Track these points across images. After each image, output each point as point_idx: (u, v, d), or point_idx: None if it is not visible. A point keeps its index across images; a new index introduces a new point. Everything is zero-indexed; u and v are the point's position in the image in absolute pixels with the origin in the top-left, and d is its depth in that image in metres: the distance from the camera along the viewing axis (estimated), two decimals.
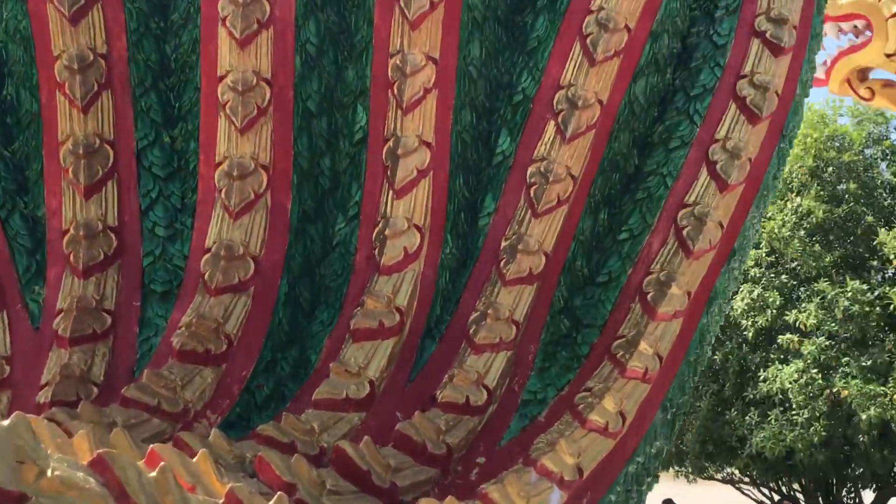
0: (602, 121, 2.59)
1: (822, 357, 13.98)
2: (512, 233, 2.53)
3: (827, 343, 14.10)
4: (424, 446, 2.08)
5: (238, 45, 2.43)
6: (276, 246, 2.45)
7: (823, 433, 13.74)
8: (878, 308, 14.36)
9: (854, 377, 13.64)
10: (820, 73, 4.35)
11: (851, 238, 16.23)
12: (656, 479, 2.55)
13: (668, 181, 2.64)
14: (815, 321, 14.11)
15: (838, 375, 13.85)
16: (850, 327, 14.08)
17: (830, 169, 16.49)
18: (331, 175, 2.57)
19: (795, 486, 17.38)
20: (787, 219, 15.70)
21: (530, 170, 2.55)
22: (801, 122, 2.83)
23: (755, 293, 15.04)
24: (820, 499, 16.76)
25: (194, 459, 1.43)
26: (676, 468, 17.51)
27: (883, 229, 15.01)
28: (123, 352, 2.33)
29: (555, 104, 2.57)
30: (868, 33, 3.98)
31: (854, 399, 13.31)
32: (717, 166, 2.60)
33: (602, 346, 2.49)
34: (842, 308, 13.99)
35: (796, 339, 14.30)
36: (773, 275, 15.48)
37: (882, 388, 13.40)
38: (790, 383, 13.86)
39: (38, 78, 2.53)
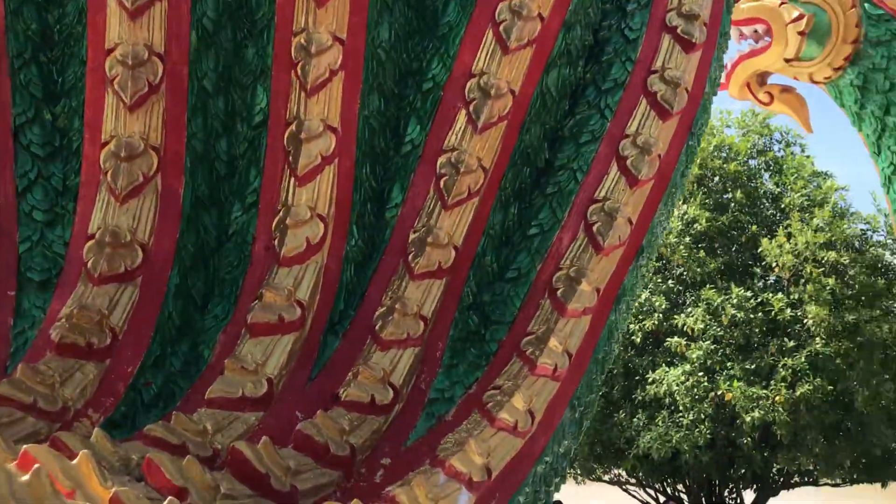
0: (514, 111, 2.51)
1: (708, 361, 14.41)
2: (421, 225, 2.43)
3: (712, 347, 14.54)
4: (327, 447, 1.95)
5: (129, 16, 2.26)
6: (166, 233, 2.28)
7: (708, 435, 14.14)
8: (760, 314, 14.90)
9: (738, 380, 14.09)
10: (721, 78, 4.41)
11: (736, 246, 16.81)
12: (563, 479, 2.49)
13: (579, 176, 2.59)
14: (702, 326, 14.53)
15: (723, 378, 14.28)
16: (735, 333, 14.55)
17: (717, 178, 17.04)
18: (227, 160, 2.42)
19: (680, 486, 17.83)
20: (674, 226, 16.14)
21: (440, 160, 2.46)
22: (708, 120, 2.83)
23: (643, 297, 15.37)
24: (703, 499, 17.25)
25: (74, 462, 1.27)
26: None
27: (765, 238, 15.60)
28: None
29: (466, 92, 2.48)
30: (768, 38, 4.05)
31: (738, 402, 13.75)
32: (628, 162, 2.56)
33: (511, 342, 2.41)
34: (728, 315, 14.45)
35: (683, 342, 14.70)
36: (660, 280, 15.88)
37: (764, 391, 13.88)
38: (677, 386, 14.22)
39: None
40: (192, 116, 2.36)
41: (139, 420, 2.06)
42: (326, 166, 2.35)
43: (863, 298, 15.16)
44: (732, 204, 16.67)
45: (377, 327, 2.27)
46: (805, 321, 14.73)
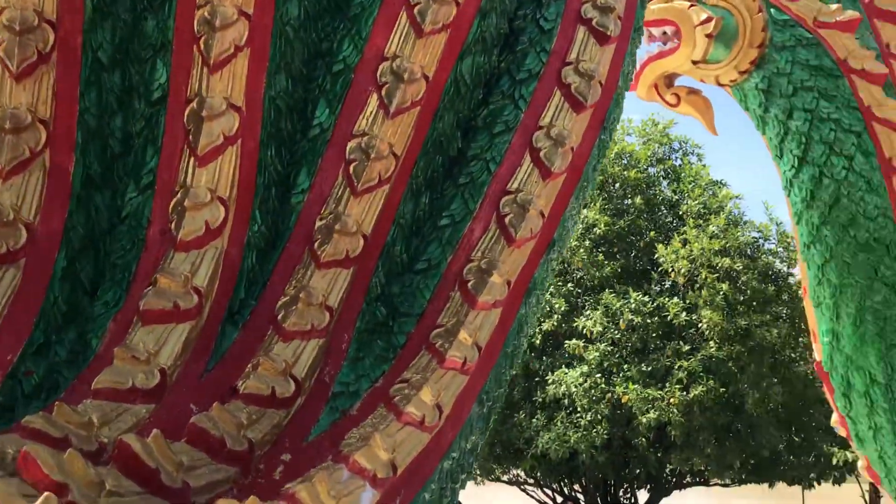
0: (428, 97, 2.44)
1: (605, 363, 14.67)
2: (328, 212, 2.33)
3: (610, 349, 14.81)
4: (223, 442, 1.84)
5: None
6: (53, 213, 2.12)
7: (605, 435, 14.40)
8: (656, 318, 15.25)
9: (634, 382, 14.39)
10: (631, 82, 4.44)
11: (634, 251, 17.18)
12: (470, 476, 2.43)
13: (492, 167, 2.53)
14: (600, 329, 14.79)
15: (620, 380, 14.56)
16: (632, 336, 14.86)
17: (617, 185, 17.38)
18: (122, 137, 2.27)
19: (577, 486, 18.12)
20: (574, 229, 16.39)
21: (350, 145, 2.36)
22: (621, 114, 2.81)
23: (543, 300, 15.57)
24: (599, 499, 17.56)
25: None
26: None
27: (661, 244, 15.99)
28: None
29: (378, 76, 2.40)
30: (676, 40, 4.09)
31: (634, 403, 14.03)
32: (541, 153, 2.52)
33: (420, 335, 2.34)
34: (626, 319, 14.74)
35: (581, 345, 14.94)
36: (560, 283, 16.10)
37: (660, 392, 14.21)
38: (575, 387, 14.43)
39: None
40: (86, 90, 2.21)
41: (18, 412, 1.90)
42: (229, 147, 2.23)
43: (754, 304, 15.70)
44: (632, 209, 17.04)
45: (279, 317, 2.16)
46: (699, 325, 15.15)
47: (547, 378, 15.30)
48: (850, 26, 3.86)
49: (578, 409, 14.52)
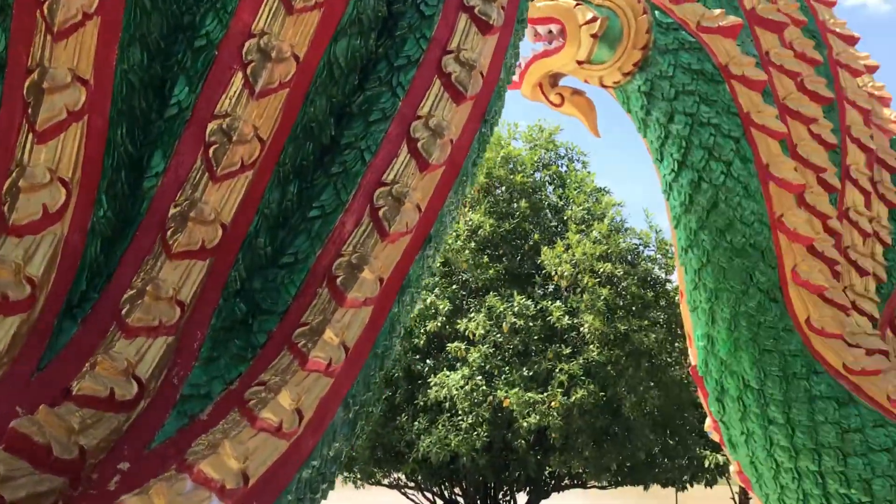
0: (297, 79, 2.28)
1: (487, 365, 14.72)
2: (183, 198, 2.13)
3: (491, 352, 14.86)
4: (49, 449, 1.63)
5: None
6: None
7: (485, 438, 14.43)
8: (539, 321, 15.40)
9: (516, 386, 14.47)
10: (514, 76, 4.37)
11: (519, 254, 17.33)
12: (332, 485, 2.27)
13: (367, 156, 2.39)
14: (482, 331, 14.82)
15: (501, 383, 14.62)
16: (515, 339, 14.96)
17: (503, 188, 17.50)
18: None
19: (457, 489, 18.12)
20: (460, 231, 16.43)
21: (211, 126, 2.17)
22: (502, 109, 2.71)
23: (428, 300, 15.51)
24: (479, 501, 17.60)
25: None
26: (345, 474, 17.55)
27: (546, 248, 16.18)
28: None
29: (244, 53, 2.22)
30: (562, 39, 4.04)
31: (515, 407, 14.11)
32: (419, 144, 2.39)
33: (282, 334, 2.17)
34: (509, 322, 14.82)
35: (463, 347, 14.94)
36: (445, 284, 16.08)
37: (541, 396, 14.34)
38: (456, 390, 14.41)
39: None
40: None
41: None
42: (73, 123, 2.01)
43: (633, 309, 16.05)
44: (518, 213, 17.19)
45: (123, 312, 1.96)
46: (581, 329, 15.37)
47: (430, 380, 15.24)
48: (733, 32, 3.89)
49: (460, 412, 14.51)
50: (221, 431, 1.90)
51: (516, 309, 15.09)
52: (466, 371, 14.65)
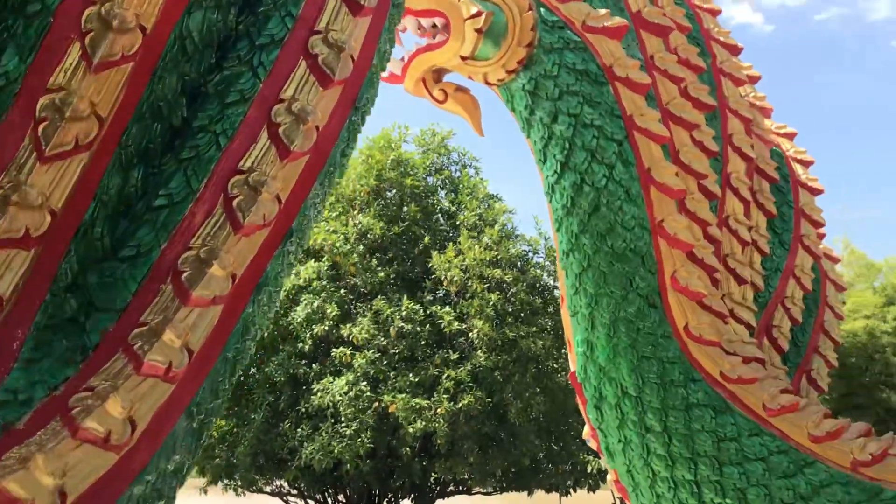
0: (144, 53, 2.06)
1: (373, 371, 14.52)
2: (7, 181, 1.89)
3: (377, 357, 14.67)
4: None
5: None
6: None
7: (370, 445, 14.22)
8: (428, 326, 15.30)
9: (403, 392, 14.31)
10: (397, 70, 4.22)
11: (409, 258, 17.21)
12: (171, 501, 2.05)
13: (222, 141, 2.19)
14: (366, 335, 14.62)
15: (387, 389, 14.44)
16: (401, 344, 14.81)
17: (394, 191, 17.36)
18: None
19: (341, 497, 17.84)
20: (349, 234, 16.21)
21: (42, 101, 1.93)
22: (375, 97, 2.55)
23: (315, 304, 15.21)
24: None
25: None
26: (226, 482, 17.05)
27: (436, 252, 16.11)
28: None
29: (83, 22, 1.99)
30: (446, 33, 3.91)
31: (401, 413, 13.95)
32: (280, 130, 2.20)
33: (118, 335, 1.95)
34: (397, 326, 14.66)
35: (349, 352, 14.71)
36: (333, 288, 15.81)
37: (427, 402, 14.22)
38: (341, 396, 14.17)
39: None
40: None
41: None
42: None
43: (522, 315, 16.13)
44: (407, 217, 17.08)
45: None
46: (470, 335, 15.35)
47: (314, 386, 14.94)
48: (618, 33, 3.83)
49: (343, 418, 14.26)
50: (37, 443, 1.67)
51: (404, 313, 14.95)
52: (351, 377, 14.42)
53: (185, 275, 2.02)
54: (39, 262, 1.90)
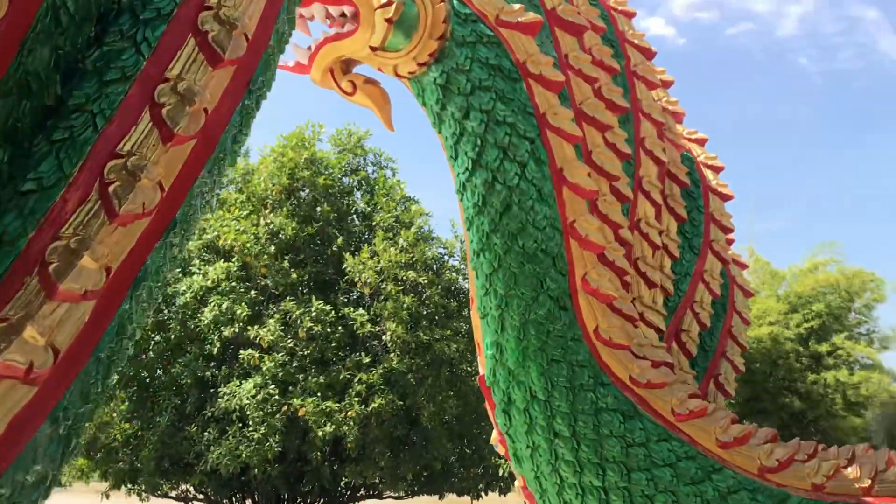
0: (10, 22, 1.86)
1: (281, 374, 14.22)
2: None
3: (286, 360, 14.39)
4: None
5: None
6: None
7: (278, 449, 13.93)
8: (340, 328, 15.07)
9: (313, 395, 14.06)
10: (303, 59, 4.05)
11: (322, 259, 16.94)
12: None
13: (99, 122, 2.00)
14: (273, 337, 14.32)
15: (297, 392, 14.17)
16: (311, 346, 14.55)
17: (307, 190, 17.08)
18: None
19: (248, 502, 17.46)
20: (260, 234, 15.87)
21: None
22: (272, 82, 2.39)
23: (224, 306, 14.83)
24: None
25: None
26: (130, 486, 16.49)
27: (349, 254, 15.89)
28: None
29: None
30: (356, 23, 3.75)
31: (310, 416, 13.70)
32: (164, 111, 2.03)
33: None
34: (306, 327, 14.41)
35: (257, 354, 14.39)
36: (243, 289, 15.44)
37: (338, 405, 14.00)
38: (248, 399, 13.84)
39: None
40: None
41: None
42: None
43: (437, 318, 16.03)
44: (322, 217, 16.82)
45: None
46: (383, 337, 15.18)
47: (221, 389, 14.56)
48: (532, 29, 3.74)
49: (251, 422, 13.93)
50: None
51: (314, 314, 14.68)
52: (259, 380, 14.10)
53: (52, 266, 1.83)
54: None
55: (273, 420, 13.76)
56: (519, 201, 3.68)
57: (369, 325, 15.03)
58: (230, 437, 14.07)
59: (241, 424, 14.32)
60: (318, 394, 14.09)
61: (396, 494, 17.90)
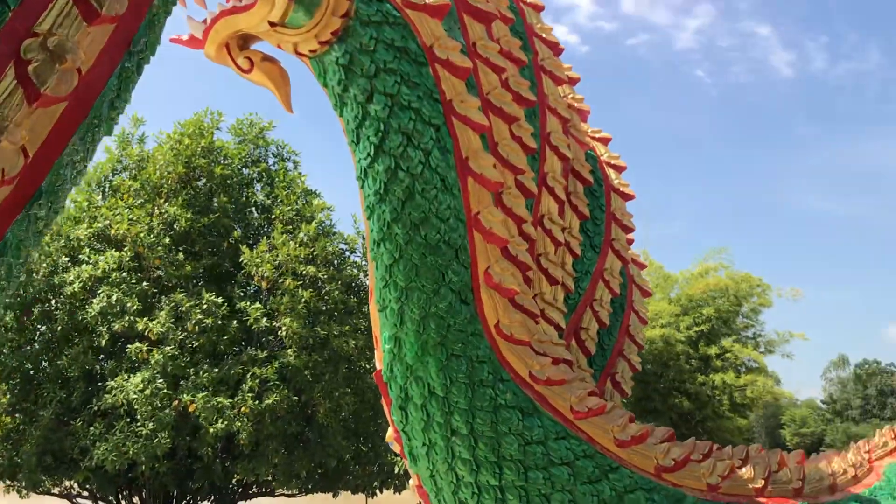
0: None
1: (171, 367, 13.77)
2: None
3: (176, 353, 13.94)
4: None
5: None
6: None
7: (167, 445, 13.47)
8: (235, 322, 14.68)
9: (205, 390, 13.66)
10: (198, 33, 3.82)
11: (219, 251, 16.49)
12: None
13: None
14: (163, 329, 13.86)
15: (188, 387, 13.74)
16: (202, 339, 14.14)
17: (204, 180, 16.60)
18: None
19: (136, 499, 16.87)
20: (154, 224, 15.33)
21: None
22: (156, 45, 2.20)
23: (114, 297, 14.26)
24: None
25: None
26: (9, 483, 15.70)
27: (247, 247, 15.51)
28: None
29: None
30: None
31: (201, 412, 13.30)
32: (31, 68, 1.83)
33: None
34: (195, 320, 13.99)
35: (145, 348, 13.90)
36: (134, 281, 14.88)
37: (230, 400, 13.62)
38: (136, 394, 13.35)
39: None
40: None
41: None
42: None
43: (336, 314, 15.81)
44: (220, 208, 16.37)
45: None
46: (279, 332, 14.87)
47: (108, 384, 14.00)
48: (440, 12, 3.61)
49: (139, 417, 13.43)
50: None
51: (205, 307, 14.24)
52: (148, 373, 13.60)
53: None
54: None
55: (162, 415, 13.29)
56: (422, 190, 3.54)
57: (265, 320, 14.67)
58: (117, 433, 13.55)
59: (128, 419, 13.81)
60: (210, 389, 13.68)
61: (290, 492, 17.58)
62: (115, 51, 1.99)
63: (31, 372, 15.16)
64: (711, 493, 3.63)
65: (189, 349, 14.19)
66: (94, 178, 16.96)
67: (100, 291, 14.49)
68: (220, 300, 14.53)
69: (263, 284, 15.25)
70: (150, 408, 13.27)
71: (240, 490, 17.25)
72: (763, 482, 3.66)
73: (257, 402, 13.87)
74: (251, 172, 17.87)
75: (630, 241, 4.90)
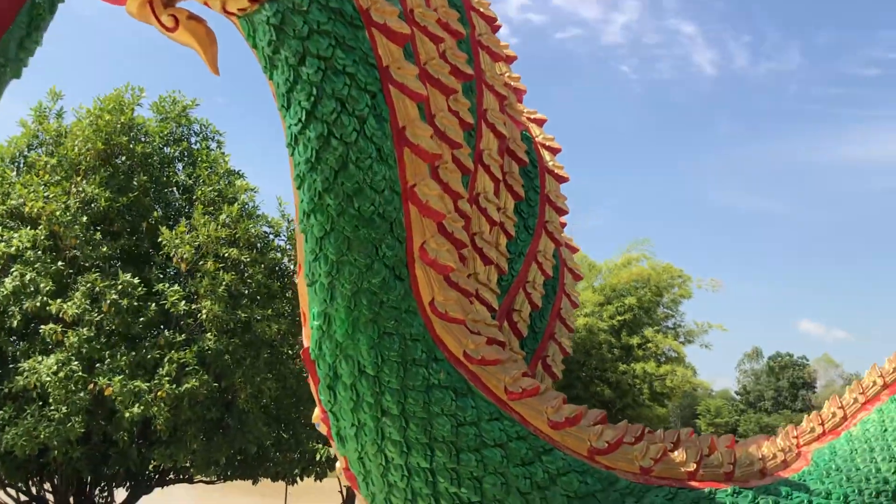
0: None
1: (86, 349, 13.31)
2: None
3: (93, 335, 13.48)
4: None
5: None
6: None
7: (81, 430, 13.03)
8: (153, 304, 14.26)
9: (121, 373, 13.26)
10: None
11: (138, 231, 16.02)
12: None
13: None
14: (78, 311, 13.40)
15: (104, 370, 13.31)
16: (116, 321, 13.72)
17: (123, 158, 16.09)
18: None
19: (47, 485, 16.34)
20: (71, 202, 14.78)
21: None
22: None
23: (27, 277, 13.71)
24: (71, 498, 15.99)
25: None
26: None
27: (166, 227, 15.09)
28: None
29: None
30: None
31: (117, 395, 12.91)
32: None
33: None
34: (109, 301, 13.55)
35: (60, 329, 13.41)
36: (49, 260, 14.32)
37: (147, 384, 13.24)
38: (49, 376, 12.87)
39: None
40: None
41: None
42: None
43: (258, 298, 15.51)
44: (139, 187, 15.87)
45: None
46: (199, 315, 14.51)
47: (20, 366, 13.46)
48: None
49: (52, 400, 12.94)
50: None
51: (120, 288, 13.79)
52: (62, 356, 13.11)
53: None
54: None
55: (76, 399, 12.84)
56: (356, 159, 3.38)
57: (183, 303, 14.29)
58: (28, 417, 13.05)
59: (41, 403, 13.32)
60: (127, 372, 13.27)
61: (208, 479, 17.26)
62: None
63: None
64: (644, 476, 3.58)
65: (106, 331, 13.74)
66: (8, 153, 16.30)
67: (12, 270, 13.92)
68: (136, 281, 14.09)
69: (182, 266, 14.84)
70: (63, 391, 12.80)
71: (157, 476, 16.85)
72: (695, 465, 3.64)
73: (175, 386, 13.50)
74: (172, 151, 17.37)
75: (564, 224, 4.84)
